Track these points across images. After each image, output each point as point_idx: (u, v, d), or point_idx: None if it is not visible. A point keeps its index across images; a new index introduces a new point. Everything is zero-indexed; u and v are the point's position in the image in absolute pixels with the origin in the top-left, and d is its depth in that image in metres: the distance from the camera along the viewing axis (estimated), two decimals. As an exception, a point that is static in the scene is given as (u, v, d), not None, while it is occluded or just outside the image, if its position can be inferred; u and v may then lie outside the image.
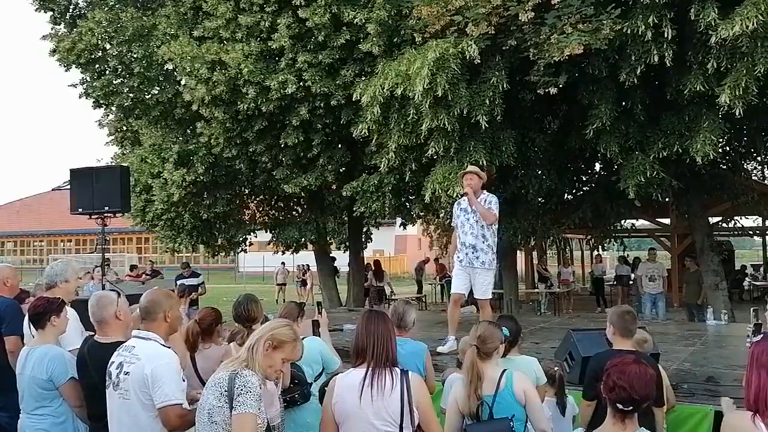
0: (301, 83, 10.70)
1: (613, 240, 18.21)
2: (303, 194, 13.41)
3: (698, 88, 8.36)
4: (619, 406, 2.45)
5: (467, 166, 9.24)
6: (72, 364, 3.72)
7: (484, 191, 6.88)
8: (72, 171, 9.42)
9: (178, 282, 12.41)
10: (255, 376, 2.72)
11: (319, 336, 4.44)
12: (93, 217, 9.14)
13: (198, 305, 10.89)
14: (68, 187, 9.91)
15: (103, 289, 8.17)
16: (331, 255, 17.17)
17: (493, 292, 18.15)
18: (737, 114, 8.01)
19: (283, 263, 24.00)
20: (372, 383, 2.85)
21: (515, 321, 4.34)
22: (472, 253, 6.71)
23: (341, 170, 13.11)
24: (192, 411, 3.09)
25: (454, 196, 8.85)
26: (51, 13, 13.41)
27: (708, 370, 6.05)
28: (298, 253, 17.12)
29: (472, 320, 7.09)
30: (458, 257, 6.84)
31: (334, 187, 13.54)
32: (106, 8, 12.59)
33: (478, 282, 6.74)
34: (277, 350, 2.82)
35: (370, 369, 2.88)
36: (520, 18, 8.41)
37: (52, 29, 13.41)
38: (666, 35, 8.11)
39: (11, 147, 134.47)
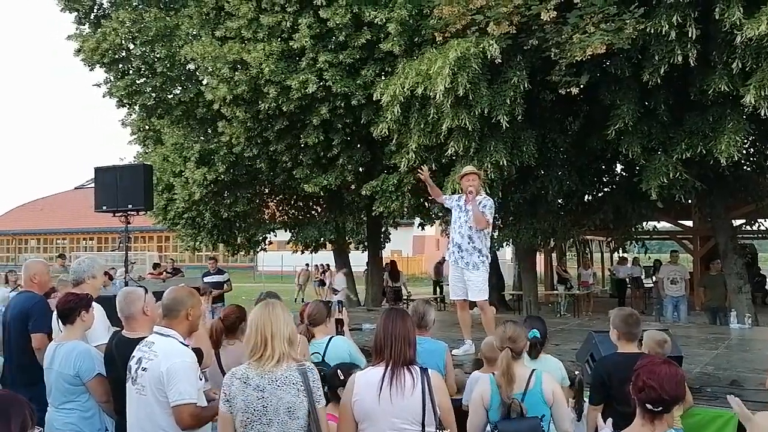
0: (321, 83, 10.75)
1: (634, 242, 18.01)
2: (322, 194, 13.47)
3: (723, 89, 8.26)
4: (649, 406, 2.42)
5: (487, 165, 9.30)
6: (99, 360, 3.77)
7: (482, 193, 6.81)
8: (96, 169, 9.56)
9: (204, 279, 12.44)
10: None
11: (344, 334, 4.47)
12: (117, 214, 9.27)
13: (224, 302, 10.99)
14: (91, 185, 10.09)
15: (126, 286, 8.26)
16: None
17: (511, 294, 18.09)
18: (762, 114, 7.91)
19: (306, 264, 24.10)
20: (391, 382, 2.84)
21: (542, 321, 4.34)
22: (458, 252, 6.64)
23: (361, 170, 13.15)
24: (206, 409, 3.11)
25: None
26: (76, 13, 13.58)
27: (732, 373, 5.96)
28: (317, 253, 17.19)
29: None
30: (448, 254, 6.85)
31: (353, 186, 13.57)
32: (130, 9, 12.75)
33: (469, 284, 6.62)
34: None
35: (389, 367, 2.88)
36: (541, 17, 8.37)
37: (76, 29, 13.59)
38: (690, 35, 8.03)
39: (35, 146, 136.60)
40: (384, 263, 17.36)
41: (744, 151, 10.49)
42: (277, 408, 2.71)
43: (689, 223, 17.76)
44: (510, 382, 3.34)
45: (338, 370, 3.32)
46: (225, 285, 12.51)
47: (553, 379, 3.53)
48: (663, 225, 18.95)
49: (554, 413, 3.37)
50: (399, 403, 2.82)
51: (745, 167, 11.99)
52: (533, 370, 3.46)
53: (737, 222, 15.05)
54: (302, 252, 16.86)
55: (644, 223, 15.39)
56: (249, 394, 2.74)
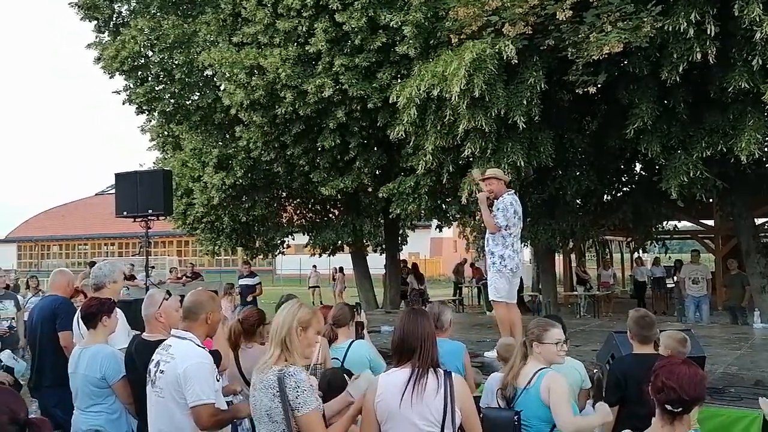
0: (338, 86, 10.79)
1: (654, 242, 17.81)
2: (339, 197, 13.51)
3: (743, 86, 8.16)
4: (668, 407, 2.40)
5: (505, 166, 9.26)
6: (123, 363, 3.83)
7: (507, 193, 6.58)
8: (117, 175, 9.70)
9: (240, 282, 13.78)
10: (303, 372, 2.80)
11: (363, 338, 4.48)
12: (137, 219, 9.39)
13: (256, 304, 11.74)
14: (111, 191, 10.29)
15: (147, 291, 8.38)
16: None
17: (530, 295, 18.04)
18: (784, 111, 7.80)
19: (314, 266, 24.15)
20: (416, 385, 2.83)
21: (560, 320, 4.31)
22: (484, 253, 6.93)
23: (377, 172, 13.16)
24: (226, 412, 3.15)
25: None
26: (95, 22, 13.76)
27: (756, 373, 5.90)
28: (335, 256, 17.23)
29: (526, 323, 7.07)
30: None
31: (370, 189, 13.60)
32: (149, 16, 12.89)
33: (489, 282, 6.86)
34: (307, 330, 2.93)
35: (415, 370, 2.86)
36: (557, 17, 8.32)
37: (96, 38, 13.77)
38: (709, 32, 7.94)
39: (57, 154, 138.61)
40: (402, 265, 17.36)
41: (765, 149, 10.33)
42: (260, 410, 2.83)
43: (711, 222, 17.54)
44: (511, 369, 3.42)
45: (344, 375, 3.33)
46: (257, 288, 13.58)
47: (556, 377, 3.44)
48: (684, 224, 18.73)
49: (552, 408, 3.33)
50: (421, 406, 2.81)
51: (767, 165, 11.82)
52: (540, 368, 3.45)
53: (760, 220, 14.83)
54: (320, 255, 16.90)
55: (665, 223, 15.22)
56: (251, 395, 2.93)
